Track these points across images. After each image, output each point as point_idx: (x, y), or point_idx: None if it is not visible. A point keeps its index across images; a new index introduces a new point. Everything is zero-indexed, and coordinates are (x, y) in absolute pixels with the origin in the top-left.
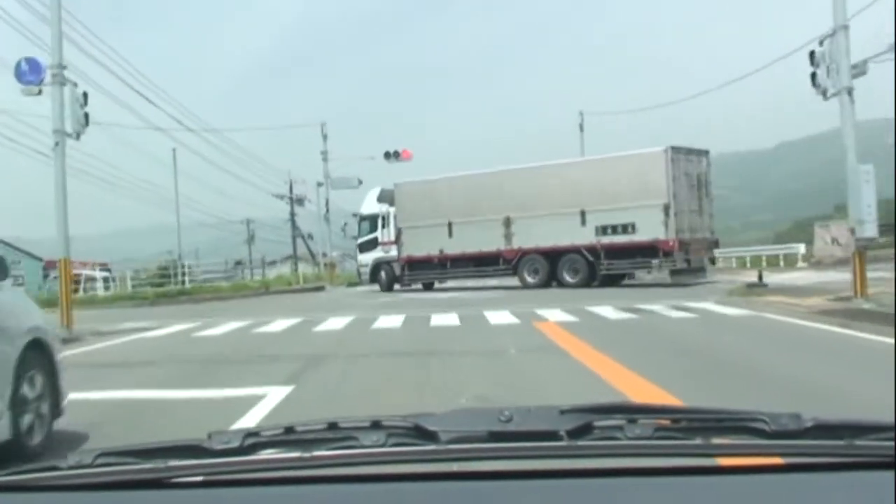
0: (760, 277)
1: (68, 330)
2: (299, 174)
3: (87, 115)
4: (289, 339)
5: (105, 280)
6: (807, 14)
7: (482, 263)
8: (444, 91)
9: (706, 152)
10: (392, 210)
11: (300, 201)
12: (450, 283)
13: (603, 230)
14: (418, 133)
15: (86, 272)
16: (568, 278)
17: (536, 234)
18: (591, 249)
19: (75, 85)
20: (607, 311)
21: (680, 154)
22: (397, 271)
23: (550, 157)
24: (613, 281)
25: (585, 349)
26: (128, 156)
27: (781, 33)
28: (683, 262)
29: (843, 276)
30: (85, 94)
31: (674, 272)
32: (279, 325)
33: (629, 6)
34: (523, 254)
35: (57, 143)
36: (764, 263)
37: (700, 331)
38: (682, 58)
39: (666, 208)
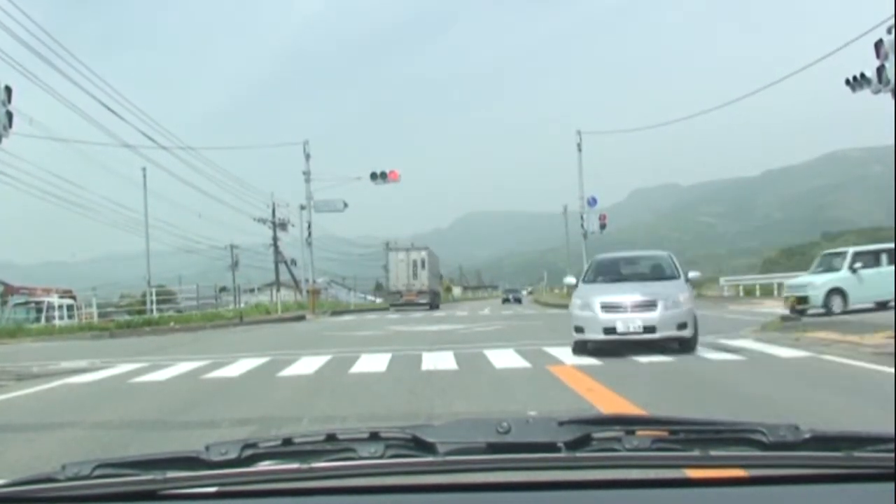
0: (793, 309)
1: None
2: (284, 197)
3: (9, 115)
4: (244, 389)
5: (69, 308)
6: (793, 45)
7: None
8: (437, 112)
9: (426, 248)
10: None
11: (283, 225)
12: (441, 313)
13: None
14: (409, 154)
15: (47, 299)
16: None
17: None
18: None
19: None
20: None
21: (397, 250)
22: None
23: (543, 178)
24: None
25: (621, 407)
26: (113, 182)
27: (772, 61)
28: (404, 302)
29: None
30: (8, 90)
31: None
32: (240, 366)
33: (628, 30)
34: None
35: None
36: (776, 292)
37: (762, 383)
38: (678, 82)
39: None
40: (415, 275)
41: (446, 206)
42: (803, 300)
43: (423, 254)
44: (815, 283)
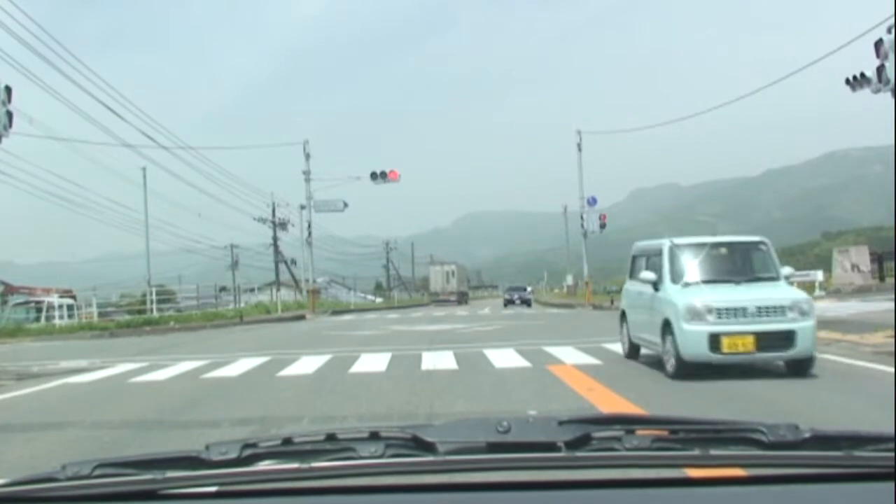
0: None
1: None
2: (284, 197)
3: (9, 114)
4: (243, 389)
5: (69, 308)
6: (793, 44)
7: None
8: (438, 112)
9: (455, 263)
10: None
11: (283, 225)
12: (442, 313)
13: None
14: (409, 154)
15: (47, 299)
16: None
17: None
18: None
19: None
20: None
21: (435, 264)
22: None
23: (543, 178)
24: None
25: (621, 406)
26: (114, 182)
27: (772, 60)
28: (441, 299)
29: (873, 307)
30: (8, 90)
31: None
32: (240, 365)
33: (629, 30)
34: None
35: None
36: None
37: (762, 381)
38: (678, 82)
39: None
40: (447, 280)
41: (446, 206)
42: None
43: (454, 267)
44: None
